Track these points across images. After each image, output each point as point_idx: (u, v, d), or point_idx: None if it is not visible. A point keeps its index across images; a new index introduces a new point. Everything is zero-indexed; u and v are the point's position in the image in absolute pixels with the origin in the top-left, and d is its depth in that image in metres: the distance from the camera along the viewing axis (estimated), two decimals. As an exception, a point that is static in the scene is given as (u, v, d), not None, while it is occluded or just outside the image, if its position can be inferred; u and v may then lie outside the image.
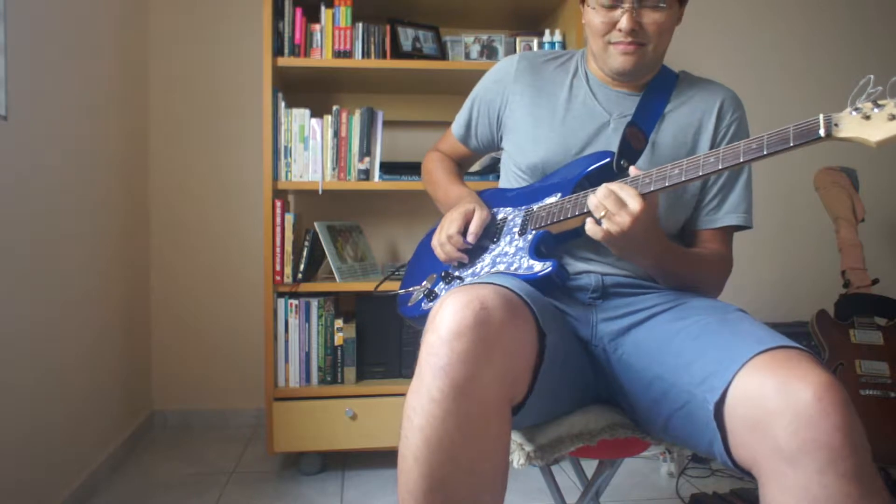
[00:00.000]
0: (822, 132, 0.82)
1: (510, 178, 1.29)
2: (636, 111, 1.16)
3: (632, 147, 1.12)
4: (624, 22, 1.08)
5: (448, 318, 0.83)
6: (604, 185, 0.99)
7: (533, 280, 1.07)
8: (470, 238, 1.17)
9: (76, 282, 1.87)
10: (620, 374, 1.06)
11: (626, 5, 1.07)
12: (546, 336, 0.92)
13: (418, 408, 0.82)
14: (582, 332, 1.11)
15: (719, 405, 0.85)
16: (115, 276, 2.17)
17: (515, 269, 1.10)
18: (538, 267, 1.07)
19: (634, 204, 0.95)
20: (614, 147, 1.14)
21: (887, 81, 0.84)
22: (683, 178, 0.95)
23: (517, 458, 1.01)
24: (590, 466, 1.20)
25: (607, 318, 1.10)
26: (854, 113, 0.82)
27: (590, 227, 0.99)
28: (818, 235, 2.65)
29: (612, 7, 1.09)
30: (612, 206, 0.96)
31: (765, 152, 0.87)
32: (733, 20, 2.74)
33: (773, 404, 0.78)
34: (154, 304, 2.53)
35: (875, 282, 2.15)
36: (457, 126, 1.40)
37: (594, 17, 1.12)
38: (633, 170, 1.03)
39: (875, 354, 2.00)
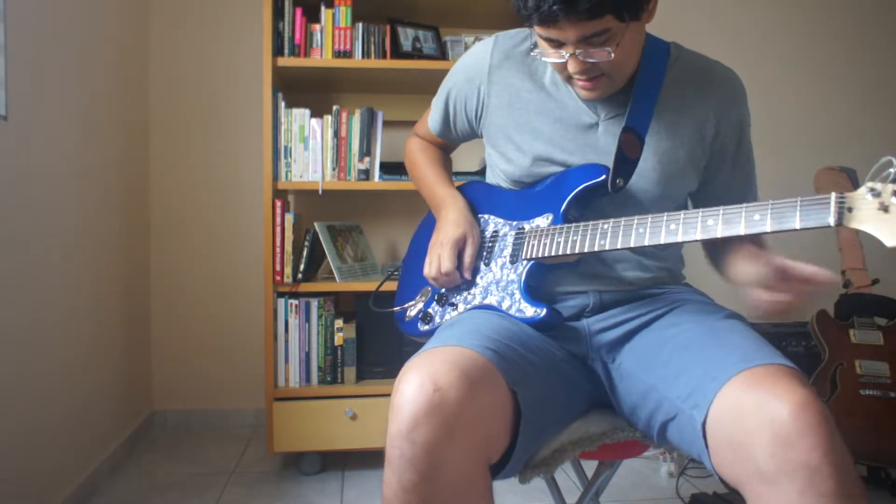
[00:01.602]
0: (831, 220, 0.75)
1: (497, 180, 1.22)
2: (630, 113, 1.05)
3: (627, 157, 1.04)
4: (571, 66, 0.98)
5: (404, 409, 0.81)
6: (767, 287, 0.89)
7: (523, 323, 1.05)
8: (466, 275, 1.15)
9: (76, 282, 1.87)
10: (619, 385, 1.05)
11: (568, 50, 0.96)
12: (517, 392, 0.90)
13: (394, 498, 0.82)
14: (576, 347, 1.09)
15: (704, 422, 0.84)
16: (115, 276, 2.17)
17: (507, 308, 1.08)
18: (530, 312, 1.05)
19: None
20: (606, 153, 1.07)
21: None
22: (647, 242, 0.92)
23: (521, 475, 1.00)
24: (590, 466, 1.20)
25: (602, 329, 1.08)
26: (870, 196, 0.73)
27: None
28: (818, 235, 2.64)
29: (557, 50, 0.99)
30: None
31: (768, 230, 0.82)
32: (722, 3, 2.74)
33: (751, 424, 0.77)
34: (154, 305, 2.53)
35: (875, 282, 2.15)
36: (434, 122, 1.31)
37: (546, 59, 1.03)
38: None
39: (875, 354, 2.00)
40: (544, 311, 1.04)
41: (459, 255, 1.16)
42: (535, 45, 1.06)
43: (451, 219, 1.18)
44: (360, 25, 2.14)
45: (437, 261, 1.15)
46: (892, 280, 2.37)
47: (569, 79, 1.04)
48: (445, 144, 1.38)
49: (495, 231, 1.18)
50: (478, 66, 1.18)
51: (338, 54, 2.12)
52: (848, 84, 2.81)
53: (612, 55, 0.96)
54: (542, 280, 1.09)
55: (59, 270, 1.76)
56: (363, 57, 2.15)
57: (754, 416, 0.77)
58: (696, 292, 1.15)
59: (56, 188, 1.76)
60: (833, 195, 0.76)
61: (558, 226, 1.06)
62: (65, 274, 1.80)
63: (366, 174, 2.15)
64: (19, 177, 1.57)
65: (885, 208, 0.72)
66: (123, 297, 2.25)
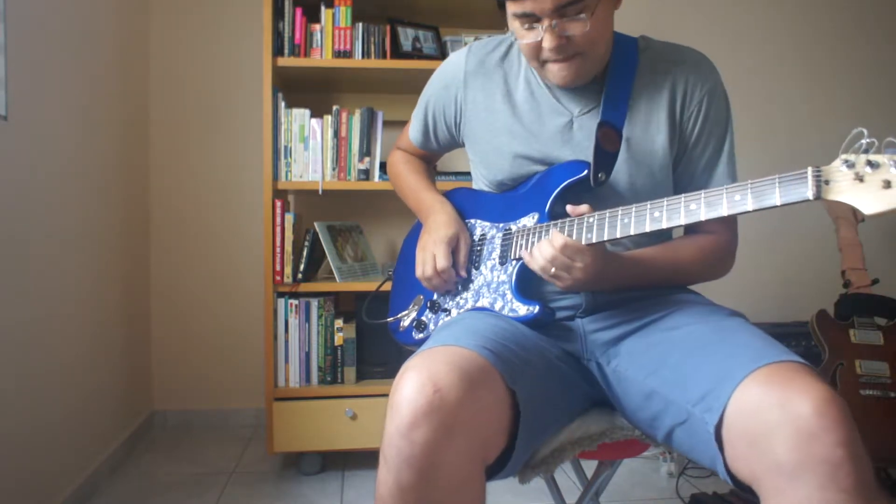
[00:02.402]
0: (810, 194, 0.77)
1: (480, 185, 1.24)
2: (604, 107, 1.07)
3: (606, 151, 1.05)
4: (547, 42, 0.99)
5: (403, 408, 0.82)
6: (545, 243, 0.97)
7: (517, 322, 1.05)
8: (462, 272, 1.15)
9: (76, 282, 1.87)
10: (617, 387, 1.04)
11: (545, 24, 0.98)
12: (516, 392, 0.90)
13: (389, 497, 0.82)
14: (571, 347, 1.09)
15: (718, 424, 0.83)
16: (114, 276, 2.17)
17: (500, 309, 1.08)
18: (522, 311, 1.06)
19: (582, 259, 0.95)
20: (583, 150, 1.08)
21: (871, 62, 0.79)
22: (633, 231, 0.93)
23: (521, 475, 1.00)
24: (589, 466, 1.20)
25: (597, 329, 1.08)
26: (845, 167, 0.76)
27: (546, 277, 0.99)
28: (818, 235, 2.65)
29: (532, 28, 1.00)
30: (560, 268, 0.96)
31: (750, 208, 0.84)
32: (722, 3, 2.74)
33: (773, 419, 0.77)
34: (154, 305, 2.53)
35: (875, 282, 2.15)
36: (414, 133, 1.33)
37: (521, 40, 1.03)
38: (571, 209, 1.00)
39: (875, 354, 2.00)
40: (537, 308, 1.05)
41: (453, 255, 1.16)
42: (510, 50, 1.13)
43: (441, 220, 1.19)
44: (360, 25, 2.14)
45: (432, 260, 1.15)
46: (892, 280, 2.38)
47: (543, 64, 1.05)
48: (427, 156, 1.39)
49: (482, 234, 1.19)
50: (454, 73, 1.20)
51: (338, 54, 2.12)
52: (849, 83, 2.81)
53: (588, 25, 0.97)
54: (532, 279, 1.10)
55: (59, 270, 1.76)
56: (363, 57, 2.15)
57: (775, 411, 0.77)
58: (693, 293, 1.14)
59: (56, 188, 1.76)
60: (809, 169, 0.78)
61: (544, 223, 1.07)
62: (65, 274, 1.80)
63: (366, 174, 2.15)
64: (19, 177, 1.57)
65: (860, 178, 0.74)
66: (123, 297, 2.25)
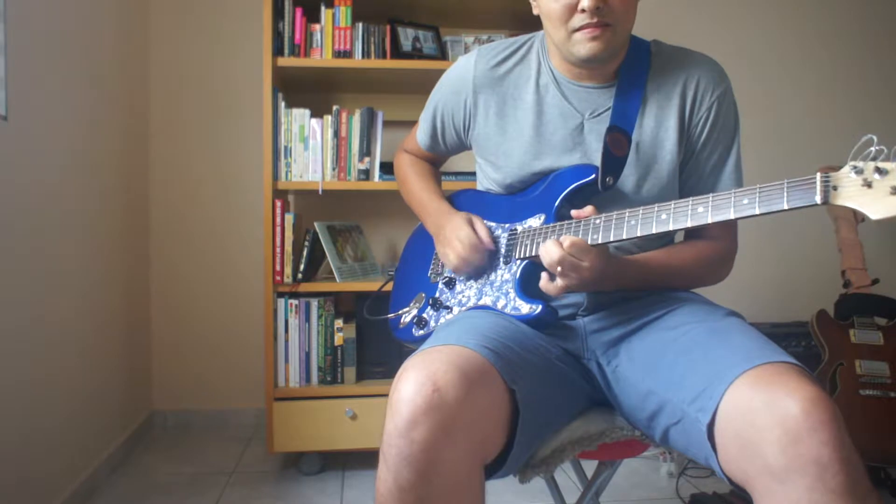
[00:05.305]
0: (818, 199, 0.77)
1: (486, 186, 1.24)
2: (613, 111, 1.08)
3: (615, 156, 1.05)
4: (586, 0, 0.98)
5: (403, 408, 0.82)
6: (551, 244, 0.96)
7: (519, 320, 1.05)
8: (489, 244, 1.14)
9: (76, 282, 1.87)
10: (615, 386, 1.05)
11: None
12: (516, 391, 0.90)
13: (388, 496, 0.82)
14: (571, 346, 1.10)
15: (710, 424, 0.84)
16: (114, 276, 2.17)
17: (502, 307, 1.08)
18: (525, 309, 1.05)
19: (588, 259, 0.95)
20: (593, 152, 1.09)
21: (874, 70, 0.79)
22: (639, 233, 0.93)
23: (521, 475, 1.00)
24: (590, 466, 1.20)
25: (597, 330, 1.09)
26: (854, 174, 0.76)
27: (544, 285, 0.99)
28: (818, 235, 2.65)
29: None
30: (567, 268, 0.96)
31: (757, 212, 0.83)
32: (723, 3, 2.75)
33: (761, 421, 0.77)
34: (154, 305, 2.53)
35: (875, 282, 2.15)
36: (422, 136, 1.32)
37: (550, 4, 1.02)
38: (576, 213, 1.00)
39: (875, 354, 2.00)
40: (540, 307, 1.05)
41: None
42: (518, 52, 1.14)
43: (453, 221, 1.19)
44: (360, 25, 2.14)
45: (457, 242, 1.13)
46: (892, 280, 2.38)
47: (570, 35, 1.03)
48: (434, 158, 1.39)
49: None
50: (463, 78, 1.20)
51: (338, 54, 2.12)
52: (851, 83, 2.81)
53: None
54: (535, 279, 1.09)
55: (59, 271, 1.76)
56: (363, 57, 2.15)
57: (764, 413, 0.77)
58: (692, 293, 1.15)
59: (56, 188, 1.76)
60: (818, 175, 0.78)
61: (550, 224, 1.07)
62: (65, 274, 1.80)
63: (366, 174, 2.15)
64: (19, 177, 1.57)
65: (868, 184, 0.75)
66: (123, 297, 2.25)
